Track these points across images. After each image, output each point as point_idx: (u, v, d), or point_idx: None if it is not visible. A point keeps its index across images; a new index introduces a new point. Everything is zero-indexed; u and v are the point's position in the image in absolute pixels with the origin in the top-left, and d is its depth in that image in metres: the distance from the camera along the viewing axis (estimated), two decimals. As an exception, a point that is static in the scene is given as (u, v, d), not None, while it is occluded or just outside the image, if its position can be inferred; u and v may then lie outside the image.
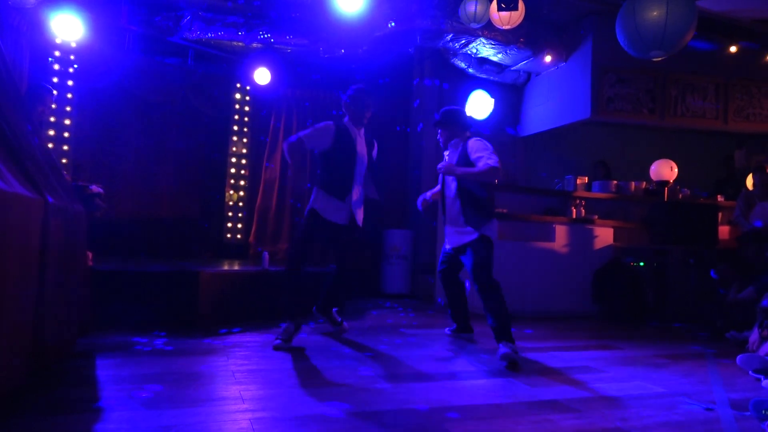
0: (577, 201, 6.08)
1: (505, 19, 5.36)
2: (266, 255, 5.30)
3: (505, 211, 5.83)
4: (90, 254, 3.74)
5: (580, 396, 2.72)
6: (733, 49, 6.46)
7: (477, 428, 2.24)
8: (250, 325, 4.43)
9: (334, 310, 4.26)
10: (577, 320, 5.46)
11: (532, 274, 5.63)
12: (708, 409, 2.57)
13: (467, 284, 4.23)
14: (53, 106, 6.03)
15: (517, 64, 7.00)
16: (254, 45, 6.25)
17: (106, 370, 2.90)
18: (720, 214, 6.18)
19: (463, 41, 6.41)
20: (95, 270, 3.86)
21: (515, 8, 5.21)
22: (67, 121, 6.27)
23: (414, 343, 3.98)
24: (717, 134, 7.33)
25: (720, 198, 6.61)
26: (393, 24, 5.90)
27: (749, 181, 6.25)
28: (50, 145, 5.99)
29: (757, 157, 6.99)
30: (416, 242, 7.14)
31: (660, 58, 4.14)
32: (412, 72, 7.50)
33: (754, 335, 3.96)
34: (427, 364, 3.35)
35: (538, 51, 6.60)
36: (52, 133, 6.14)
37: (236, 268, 5.27)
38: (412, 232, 7.16)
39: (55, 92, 5.97)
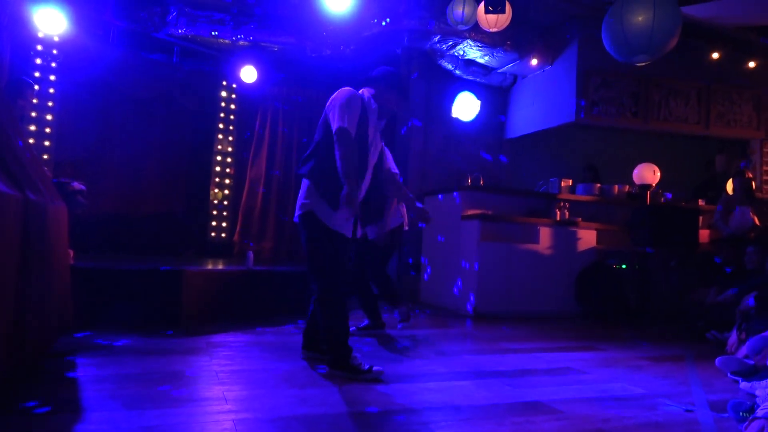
0: (561, 203, 6.13)
1: (492, 22, 5.39)
2: (251, 254, 5.28)
3: (489, 212, 5.86)
4: (71, 252, 3.68)
5: (562, 397, 2.74)
6: (715, 55, 6.56)
7: (460, 429, 2.25)
8: (234, 324, 4.40)
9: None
10: (560, 321, 5.51)
11: (516, 275, 5.67)
12: (688, 411, 2.61)
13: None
14: (35, 100, 5.94)
15: (504, 67, 7.03)
16: (241, 42, 6.21)
17: (86, 369, 2.86)
18: (701, 218, 6.27)
19: (451, 43, 6.43)
20: (76, 268, 3.80)
21: (502, 11, 5.24)
22: (49, 117, 6.18)
23: (397, 344, 3.98)
24: (699, 139, 7.44)
25: (701, 202, 6.70)
26: (387, 21, 5.89)
27: (729, 186, 6.35)
28: (31, 141, 5.89)
29: (738, 161, 7.10)
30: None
31: (644, 63, 4.19)
32: (399, 72, 7.50)
33: (732, 337, 4.03)
34: (410, 364, 3.35)
35: (524, 54, 6.64)
36: (33, 128, 6.05)
37: (220, 267, 5.23)
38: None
39: (36, 87, 5.88)
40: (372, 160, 3.12)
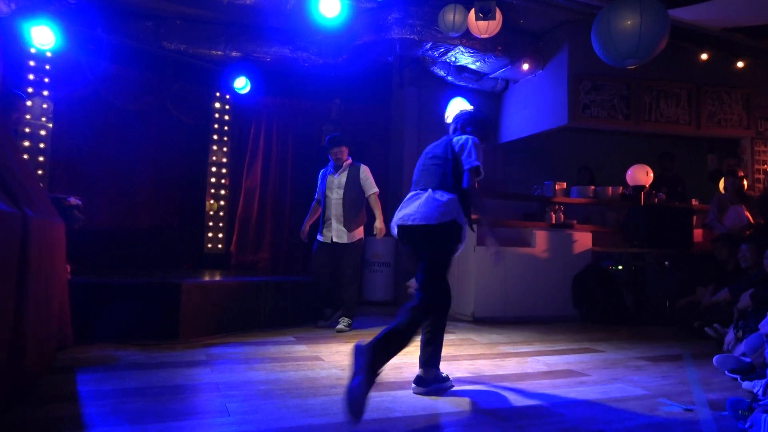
0: (556, 206, 6.17)
1: (483, 28, 5.44)
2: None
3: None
4: (69, 267, 3.68)
5: (563, 400, 2.76)
6: (704, 56, 6.63)
7: (463, 435, 2.26)
8: (234, 336, 4.40)
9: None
10: (558, 324, 5.53)
11: (513, 279, 5.69)
12: (687, 410, 2.63)
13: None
14: (27, 116, 5.93)
15: (495, 72, 7.08)
16: (233, 54, 6.23)
17: (87, 385, 2.86)
18: (694, 218, 6.32)
19: (442, 50, 6.47)
20: (74, 283, 3.79)
21: (493, 17, 5.29)
22: (43, 132, 6.17)
23: (398, 351, 3.98)
24: (690, 139, 7.50)
25: (694, 201, 6.76)
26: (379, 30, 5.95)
27: (721, 185, 6.40)
28: (25, 156, 5.88)
29: (729, 161, 7.16)
30: (399, 249, 7.15)
31: (634, 66, 4.24)
32: (392, 79, 7.54)
33: (729, 335, 4.06)
34: (411, 371, 3.35)
35: (515, 59, 6.69)
36: (27, 144, 6.04)
37: (218, 278, 5.23)
38: (395, 239, 7.16)
39: (29, 103, 5.89)
40: None
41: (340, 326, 4.83)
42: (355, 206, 4.96)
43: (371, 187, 5.02)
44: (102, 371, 3.15)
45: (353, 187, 4.99)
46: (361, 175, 5.02)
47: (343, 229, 4.92)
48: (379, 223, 4.99)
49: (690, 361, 3.83)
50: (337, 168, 5.06)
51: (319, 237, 5.07)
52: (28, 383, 2.68)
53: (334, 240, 4.95)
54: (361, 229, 5.06)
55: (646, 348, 4.34)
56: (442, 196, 2.94)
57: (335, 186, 5.01)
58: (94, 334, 3.94)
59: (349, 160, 5.09)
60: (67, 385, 2.84)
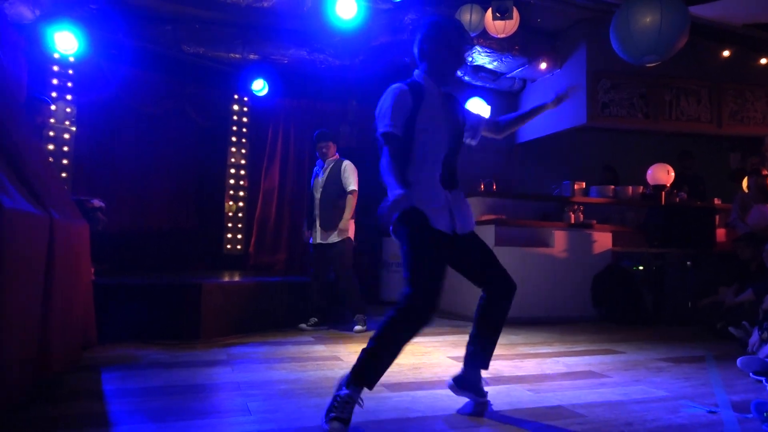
0: (575, 206, 6.12)
1: (500, 28, 5.43)
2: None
3: (503, 217, 5.86)
4: (93, 268, 3.75)
5: (583, 401, 2.74)
6: (725, 53, 6.54)
7: (483, 435, 2.26)
8: (254, 335, 4.45)
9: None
10: (577, 325, 5.48)
11: (532, 279, 5.65)
12: (711, 412, 2.59)
13: None
14: (52, 120, 6.05)
15: (513, 72, 7.05)
16: (251, 56, 6.29)
17: (111, 383, 2.91)
18: (717, 217, 6.23)
19: (459, 50, 6.47)
20: (98, 284, 3.86)
21: (510, 17, 5.28)
22: (67, 135, 6.30)
23: (415, 351, 3.99)
24: (712, 137, 7.40)
25: (717, 201, 6.66)
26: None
27: (744, 184, 6.30)
28: (50, 159, 6.00)
29: (753, 159, 7.04)
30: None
31: (654, 63, 4.20)
32: (408, 81, 7.55)
33: (754, 337, 3.99)
34: (430, 371, 3.36)
35: (532, 58, 6.66)
36: (51, 147, 6.16)
37: (237, 279, 5.28)
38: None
39: (53, 107, 6.01)
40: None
41: (357, 327, 4.83)
42: (334, 204, 4.75)
43: (349, 184, 4.75)
44: (126, 370, 3.21)
45: (332, 184, 4.80)
46: (342, 171, 4.77)
47: (323, 228, 4.81)
48: (343, 224, 4.70)
49: (713, 363, 3.78)
50: (322, 166, 4.97)
51: (310, 239, 5.02)
52: (55, 381, 2.74)
53: (319, 241, 4.87)
54: (347, 227, 4.88)
55: (667, 349, 4.28)
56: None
57: (319, 185, 4.92)
58: (118, 334, 4.01)
59: (335, 156, 4.96)
60: (93, 384, 2.90)
